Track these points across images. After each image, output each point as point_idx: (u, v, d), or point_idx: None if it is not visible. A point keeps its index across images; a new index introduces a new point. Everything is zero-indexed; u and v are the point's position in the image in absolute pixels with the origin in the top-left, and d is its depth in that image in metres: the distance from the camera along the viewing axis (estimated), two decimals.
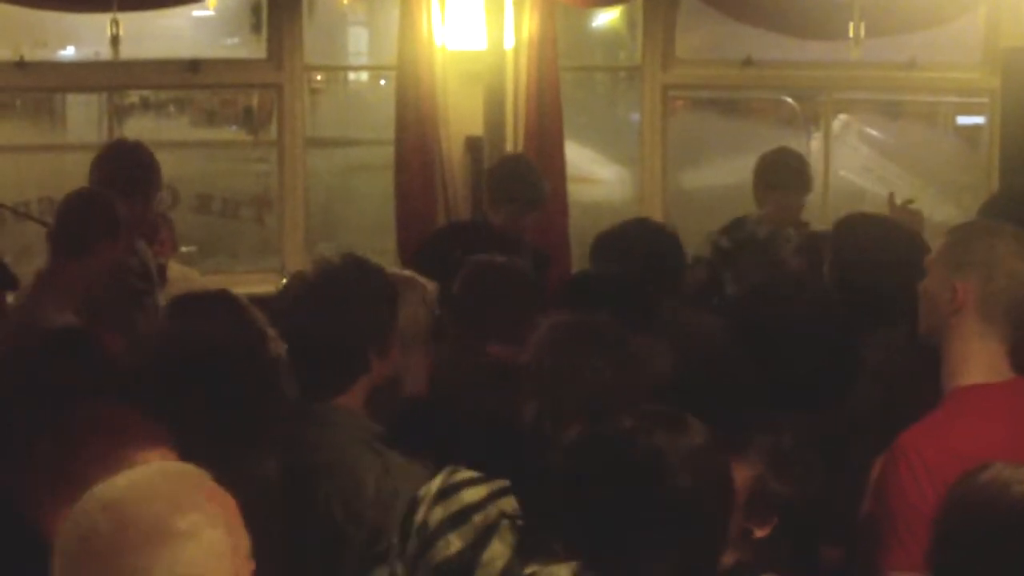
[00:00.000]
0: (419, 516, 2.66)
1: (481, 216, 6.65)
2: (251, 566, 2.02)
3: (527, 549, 2.47)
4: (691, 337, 3.87)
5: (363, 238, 8.78)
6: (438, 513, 2.63)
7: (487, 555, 2.49)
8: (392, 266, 4.39)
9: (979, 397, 3.04)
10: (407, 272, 4.15)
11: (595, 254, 4.85)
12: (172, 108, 11.62)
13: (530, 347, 2.86)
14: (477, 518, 2.55)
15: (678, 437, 2.33)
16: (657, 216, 8.02)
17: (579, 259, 7.12)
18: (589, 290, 4.21)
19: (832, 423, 3.39)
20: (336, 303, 3.36)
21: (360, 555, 3.10)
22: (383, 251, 7.36)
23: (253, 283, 7.41)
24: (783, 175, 6.39)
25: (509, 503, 2.54)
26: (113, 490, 1.98)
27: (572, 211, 7.81)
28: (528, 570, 2.44)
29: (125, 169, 5.56)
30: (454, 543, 2.56)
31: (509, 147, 7.56)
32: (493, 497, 2.57)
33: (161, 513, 1.93)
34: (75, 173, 5.50)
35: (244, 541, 2.03)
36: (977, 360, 3.06)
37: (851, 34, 8.17)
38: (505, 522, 2.51)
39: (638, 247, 4.66)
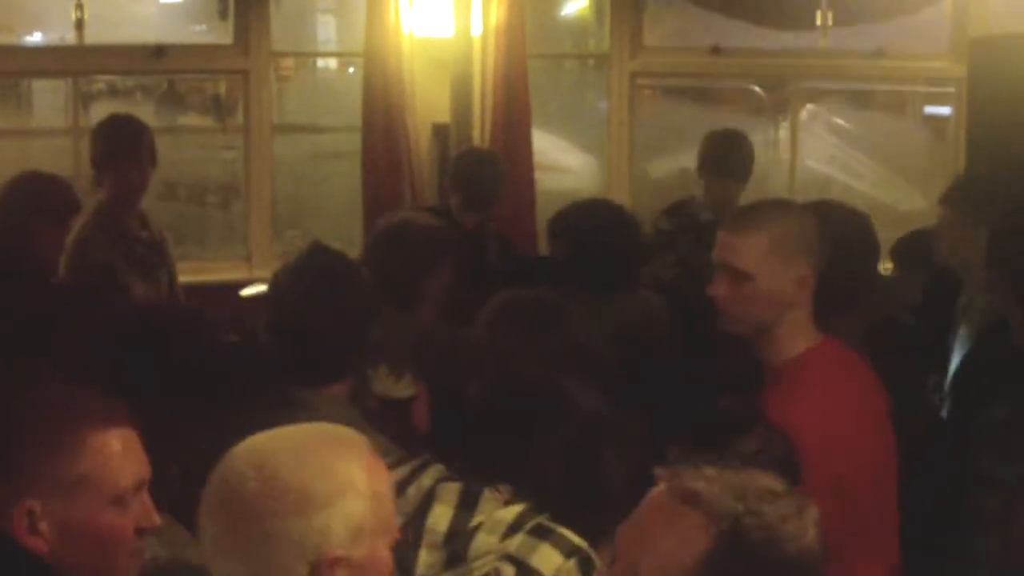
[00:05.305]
0: None
1: (447, 202, 6.62)
2: (391, 540, 2.04)
3: (470, 501, 2.49)
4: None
5: (330, 225, 8.77)
6: None
7: (430, 521, 2.50)
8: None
9: (817, 361, 3.16)
10: None
11: (551, 240, 4.81)
12: (139, 94, 11.56)
13: (476, 323, 2.92)
14: (411, 491, 2.56)
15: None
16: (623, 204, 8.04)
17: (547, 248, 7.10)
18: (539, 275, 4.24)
19: None
20: (332, 294, 3.33)
21: None
22: (350, 238, 7.34)
23: (220, 270, 7.39)
24: (712, 162, 6.25)
25: (437, 470, 2.57)
26: (267, 451, 2.02)
27: (540, 199, 7.78)
28: (475, 521, 2.46)
29: (128, 137, 5.58)
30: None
31: (476, 134, 7.53)
32: (418, 470, 2.59)
33: (307, 480, 1.97)
34: (41, 158, 5.48)
35: (388, 514, 2.04)
36: (803, 330, 3.19)
37: (819, 23, 8.20)
38: (441, 485, 2.53)
39: (593, 236, 4.59)
